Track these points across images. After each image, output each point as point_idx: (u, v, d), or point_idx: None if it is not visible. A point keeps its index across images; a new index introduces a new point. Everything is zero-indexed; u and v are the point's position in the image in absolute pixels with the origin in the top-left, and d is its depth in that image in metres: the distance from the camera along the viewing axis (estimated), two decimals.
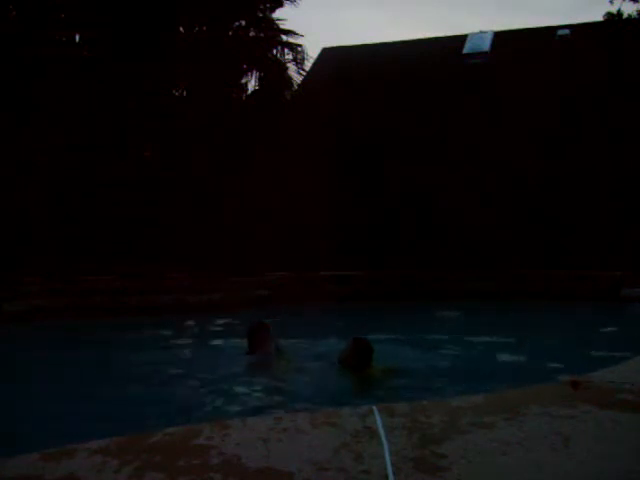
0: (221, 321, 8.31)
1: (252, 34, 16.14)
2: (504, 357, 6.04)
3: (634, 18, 13.62)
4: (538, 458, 1.98)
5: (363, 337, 5.37)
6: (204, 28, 15.17)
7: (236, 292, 9.81)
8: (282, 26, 16.42)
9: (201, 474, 1.87)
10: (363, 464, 1.93)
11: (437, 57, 15.84)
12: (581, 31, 15.36)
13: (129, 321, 8.43)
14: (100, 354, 6.40)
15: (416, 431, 2.19)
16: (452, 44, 16.50)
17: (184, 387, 5.24)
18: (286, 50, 16.57)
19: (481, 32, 16.81)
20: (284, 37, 16.51)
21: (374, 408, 2.38)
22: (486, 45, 16.33)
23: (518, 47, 15.41)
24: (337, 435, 2.17)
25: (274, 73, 16.09)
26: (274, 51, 16.50)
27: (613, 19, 13.70)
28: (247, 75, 16.12)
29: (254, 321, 6.01)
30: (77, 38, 14.21)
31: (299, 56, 16.59)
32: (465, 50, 16.44)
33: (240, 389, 5.03)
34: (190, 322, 8.28)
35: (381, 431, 2.15)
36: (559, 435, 2.14)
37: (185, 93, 15.71)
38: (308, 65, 17.06)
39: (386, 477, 1.82)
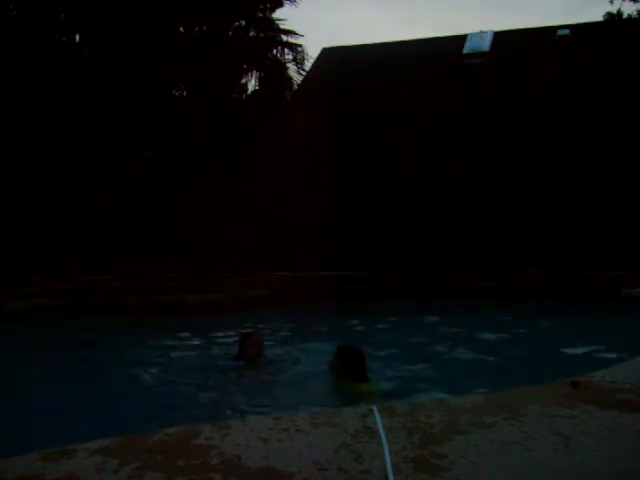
0: (218, 322, 8.28)
1: (252, 34, 16.16)
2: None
3: (634, 18, 13.62)
4: (538, 458, 1.98)
5: (352, 345, 5.00)
6: (204, 28, 15.17)
7: (236, 292, 9.80)
8: (282, 26, 16.46)
9: (201, 474, 1.87)
10: (363, 464, 1.92)
11: (437, 57, 15.84)
12: (581, 31, 15.37)
13: (129, 321, 8.42)
14: (99, 354, 6.39)
15: (416, 431, 2.18)
16: (452, 44, 16.51)
17: (168, 390, 5.23)
18: (286, 50, 16.60)
19: (481, 32, 16.83)
20: (284, 37, 16.54)
21: (374, 408, 2.38)
22: (486, 45, 16.35)
23: (518, 47, 15.41)
24: (337, 435, 2.16)
25: (274, 73, 16.11)
26: (274, 51, 16.52)
27: (613, 19, 13.69)
28: (247, 75, 16.15)
29: (246, 329, 6.01)
30: (77, 38, 14.24)
31: (299, 56, 16.63)
32: (465, 50, 16.45)
33: (226, 395, 5.00)
34: (187, 323, 8.25)
35: (381, 431, 2.14)
36: (559, 435, 2.14)
37: (185, 93, 15.71)
38: (308, 65, 17.09)
39: (386, 477, 1.82)
